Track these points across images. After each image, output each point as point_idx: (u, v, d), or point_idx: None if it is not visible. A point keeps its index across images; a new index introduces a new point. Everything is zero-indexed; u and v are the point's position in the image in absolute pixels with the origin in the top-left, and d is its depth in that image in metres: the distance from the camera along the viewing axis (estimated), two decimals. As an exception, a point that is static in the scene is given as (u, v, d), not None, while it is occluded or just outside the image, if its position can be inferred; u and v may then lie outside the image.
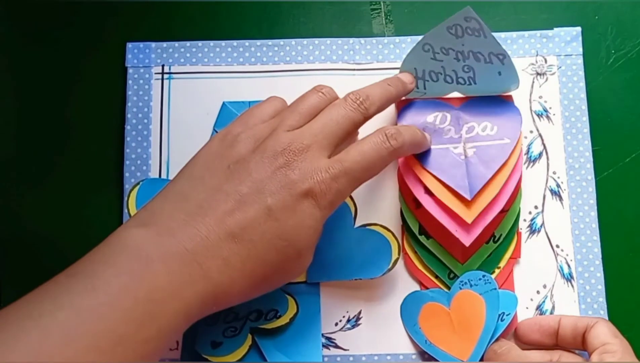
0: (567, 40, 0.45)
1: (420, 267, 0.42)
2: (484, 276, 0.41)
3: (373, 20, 0.46)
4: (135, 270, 0.30)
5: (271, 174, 0.34)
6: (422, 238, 0.42)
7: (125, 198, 0.43)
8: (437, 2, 0.47)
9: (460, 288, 0.41)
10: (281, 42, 0.46)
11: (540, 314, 0.42)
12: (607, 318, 0.41)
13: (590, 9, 0.46)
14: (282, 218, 0.33)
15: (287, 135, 0.35)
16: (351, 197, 0.43)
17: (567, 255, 0.42)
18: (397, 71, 0.45)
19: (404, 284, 0.42)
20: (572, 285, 0.42)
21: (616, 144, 0.44)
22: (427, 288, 0.42)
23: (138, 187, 0.43)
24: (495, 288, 0.40)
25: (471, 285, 0.41)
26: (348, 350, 0.42)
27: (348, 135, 0.36)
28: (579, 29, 0.45)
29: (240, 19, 0.47)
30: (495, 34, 0.44)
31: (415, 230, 0.42)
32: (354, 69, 0.45)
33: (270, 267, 0.34)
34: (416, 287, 0.42)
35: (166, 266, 0.31)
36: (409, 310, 0.42)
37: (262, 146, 0.34)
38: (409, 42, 0.45)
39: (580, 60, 0.45)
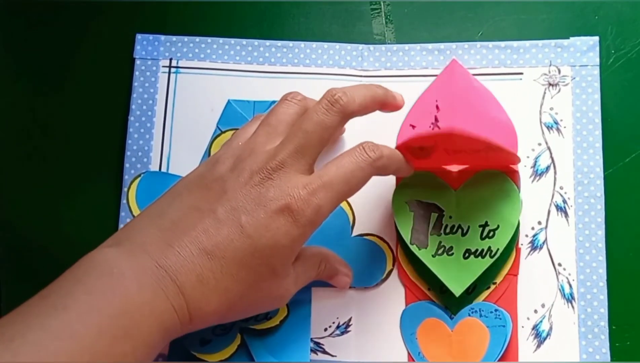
0: (583, 50, 0.43)
1: (413, 278, 0.41)
2: (496, 310, 0.40)
3: (373, 20, 0.46)
4: (106, 286, 0.31)
5: (247, 192, 0.34)
6: (413, 247, 0.40)
7: (125, 190, 0.43)
8: (437, 2, 0.46)
9: (469, 315, 0.40)
10: (290, 43, 0.45)
11: (537, 334, 0.40)
12: (607, 344, 0.39)
13: (590, 9, 0.45)
14: (255, 236, 0.33)
15: (263, 153, 0.35)
16: (350, 206, 0.43)
17: (569, 274, 0.40)
18: (405, 78, 0.44)
19: (396, 294, 0.41)
20: (573, 307, 0.40)
21: (616, 144, 0.42)
22: (419, 299, 0.41)
23: (139, 179, 0.44)
24: (504, 326, 0.39)
25: (481, 315, 0.40)
26: (336, 356, 0.41)
27: (325, 142, 0.35)
28: (596, 38, 0.43)
29: (239, 18, 0.47)
30: (507, 43, 0.44)
31: (407, 241, 0.41)
32: (361, 75, 0.45)
33: (245, 285, 0.34)
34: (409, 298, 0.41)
35: (138, 282, 0.31)
36: (411, 318, 0.41)
37: (240, 165, 0.35)
38: (417, 50, 0.44)
39: (597, 71, 0.43)
